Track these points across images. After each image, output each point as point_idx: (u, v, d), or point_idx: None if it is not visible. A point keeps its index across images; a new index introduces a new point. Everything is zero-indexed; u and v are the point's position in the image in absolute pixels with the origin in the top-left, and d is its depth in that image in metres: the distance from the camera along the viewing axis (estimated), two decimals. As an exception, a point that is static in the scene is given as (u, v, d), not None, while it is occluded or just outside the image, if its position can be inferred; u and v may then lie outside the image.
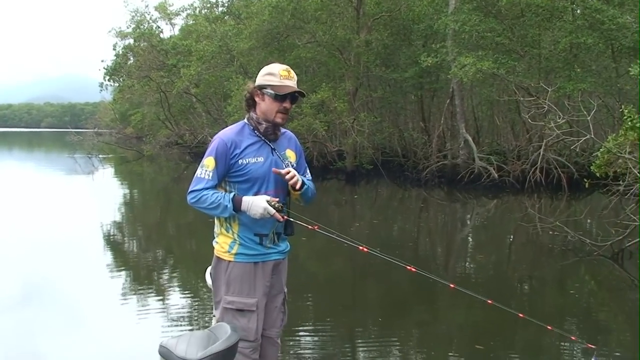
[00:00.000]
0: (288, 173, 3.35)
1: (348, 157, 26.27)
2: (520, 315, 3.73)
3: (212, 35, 32.27)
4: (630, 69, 13.29)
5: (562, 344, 6.15)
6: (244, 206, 3.28)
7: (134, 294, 7.96)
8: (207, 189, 3.33)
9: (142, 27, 39.17)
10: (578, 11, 20.44)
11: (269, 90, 3.38)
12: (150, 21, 40.60)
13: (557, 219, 12.59)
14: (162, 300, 7.66)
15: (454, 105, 24.28)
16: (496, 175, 21.66)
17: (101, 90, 43.65)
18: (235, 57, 30.57)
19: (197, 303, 7.59)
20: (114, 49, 40.55)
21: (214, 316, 3.54)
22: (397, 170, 26.86)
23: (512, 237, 13.81)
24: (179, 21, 52.12)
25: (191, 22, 44.76)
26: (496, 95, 25.08)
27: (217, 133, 3.55)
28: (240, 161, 3.36)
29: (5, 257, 9.76)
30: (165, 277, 9.21)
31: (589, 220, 14.41)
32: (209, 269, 3.60)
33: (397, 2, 25.78)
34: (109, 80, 41.24)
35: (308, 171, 3.67)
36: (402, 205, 20.12)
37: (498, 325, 6.68)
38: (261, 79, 3.42)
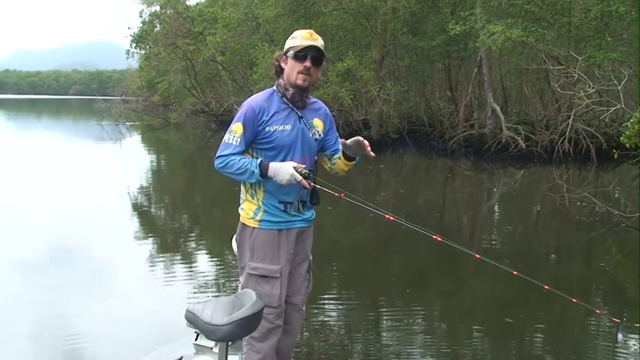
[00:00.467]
0: (366, 143, 3.33)
1: (374, 126, 26.14)
2: (546, 287, 3.71)
3: (238, 3, 32.15)
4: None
5: (587, 317, 6.12)
6: (270, 172, 3.28)
7: (161, 260, 8.06)
8: (234, 154, 3.32)
9: (168, -6, 39.01)
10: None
11: (290, 52, 3.37)
12: (177, -12, 40.40)
13: (585, 190, 12.47)
14: (189, 266, 7.76)
15: (481, 74, 23.98)
16: (524, 145, 21.42)
17: (128, 58, 43.64)
18: (261, 24, 30.43)
19: (222, 269, 7.67)
20: (141, 16, 40.48)
21: (240, 282, 3.58)
22: (423, 139, 26.68)
23: (539, 207, 13.70)
24: (206, -12, 51.84)
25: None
26: (525, 64, 24.68)
27: (242, 101, 3.55)
28: (267, 128, 3.36)
29: (36, 222, 9.93)
30: (192, 243, 9.31)
31: (617, 192, 14.24)
32: (234, 236, 3.62)
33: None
34: (135, 47, 41.23)
35: (340, 141, 3.65)
36: (428, 174, 20.05)
37: (523, 297, 6.66)
38: (286, 43, 3.42)
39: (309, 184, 3.31)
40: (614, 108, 12.23)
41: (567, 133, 20.44)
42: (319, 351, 5.10)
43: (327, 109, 3.69)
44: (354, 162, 3.53)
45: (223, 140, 3.39)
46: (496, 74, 27.25)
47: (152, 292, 6.65)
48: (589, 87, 13.11)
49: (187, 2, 40.30)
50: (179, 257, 8.20)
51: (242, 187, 3.53)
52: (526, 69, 24.99)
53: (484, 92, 24.15)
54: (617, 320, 3.85)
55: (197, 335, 3.85)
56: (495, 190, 16.47)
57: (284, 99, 3.44)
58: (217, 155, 3.37)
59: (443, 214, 12.64)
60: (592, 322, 6.06)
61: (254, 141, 3.39)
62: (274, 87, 3.49)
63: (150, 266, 7.68)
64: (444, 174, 19.94)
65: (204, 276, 7.29)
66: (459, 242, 8.28)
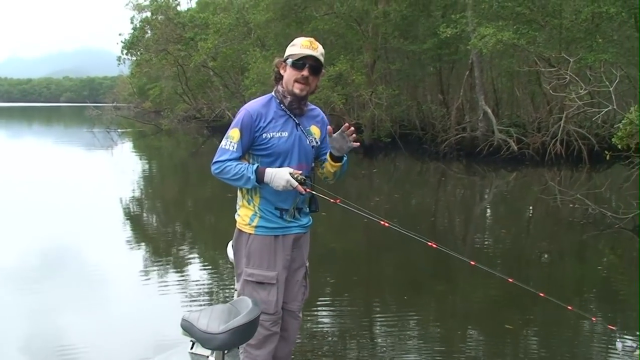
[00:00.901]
0: (349, 128, 3.33)
1: (366, 130, 26.17)
2: (541, 294, 3.70)
3: (229, 8, 32.19)
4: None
5: (583, 321, 6.12)
6: (267, 177, 3.27)
7: (155, 268, 8.02)
8: (231, 160, 3.32)
9: (159, 0, 39.02)
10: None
11: (289, 60, 3.36)
12: (167, -6, 40.41)
13: (578, 192, 12.51)
14: (183, 274, 7.73)
15: (473, 77, 24.05)
16: (516, 147, 21.49)
17: (119, 64, 43.66)
18: (253, 29, 30.49)
19: (216, 277, 7.64)
20: (132, 22, 40.50)
21: (236, 290, 3.56)
22: (416, 143, 26.74)
23: (532, 210, 13.73)
24: (196, -7, 51.85)
25: (208, -6, 44.55)
26: (516, 66, 24.78)
27: (234, 106, 3.54)
28: (264, 135, 3.35)
29: (27, 231, 9.86)
30: (185, 251, 9.28)
31: (609, 193, 14.27)
32: (230, 243, 3.60)
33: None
34: (126, 54, 41.26)
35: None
36: (421, 178, 20.07)
37: (517, 303, 6.66)
38: (286, 50, 3.40)
39: (305, 190, 3.29)
40: (605, 109, 12.26)
41: (559, 135, 20.51)
42: (313, 358, 5.08)
43: (325, 116, 3.68)
44: (340, 163, 3.48)
45: (220, 145, 3.38)
46: (487, 76, 27.33)
47: (146, 301, 6.61)
48: (581, 89, 13.14)
49: (178, 8, 40.34)
50: (173, 265, 8.17)
51: (238, 193, 3.52)
52: (517, 71, 25.06)
53: (476, 95, 24.21)
54: (614, 328, 3.82)
55: (193, 344, 3.83)
56: (487, 193, 16.51)
57: (281, 105, 3.43)
58: (213, 161, 3.36)
59: (437, 218, 12.65)
60: (587, 327, 6.06)
61: (251, 147, 3.38)
62: (272, 93, 3.48)
63: (144, 274, 7.64)
64: (437, 177, 19.96)
65: (198, 284, 7.25)
66: (454, 246, 8.32)
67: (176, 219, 12.24)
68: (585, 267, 8.79)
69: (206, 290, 7.03)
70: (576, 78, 13.90)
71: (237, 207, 3.53)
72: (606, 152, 11.04)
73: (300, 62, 3.33)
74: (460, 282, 7.80)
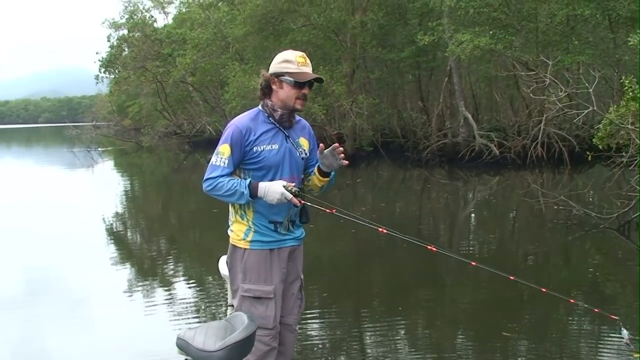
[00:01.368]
0: (339, 148, 3.39)
1: (347, 140, 26.19)
2: (543, 289, 3.72)
3: (206, 23, 32.15)
4: (629, 39, 13.18)
5: (578, 317, 6.14)
6: (260, 192, 3.26)
7: (142, 287, 7.94)
8: (222, 176, 3.30)
9: (135, 17, 38.97)
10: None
11: (288, 78, 3.35)
12: (144, 11, 40.39)
13: (561, 193, 12.57)
14: (173, 292, 7.63)
15: (452, 83, 24.20)
16: (497, 152, 21.63)
17: (97, 83, 43.53)
18: (231, 43, 30.47)
19: (204, 293, 7.56)
20: (108, 41, 40.40)
21: (230, 305, 3.52)
22: (397, 151, 26.83)
23: (517, 213, 13.80)
24: (172, 10, 51.79)
25: (184, 9, 44.53)
26: (494, 71, 24.96)
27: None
28: (255, 148, 3.34)
29: (9, 254, 9.73)
30: (171, 268, 9.18)
31: (590, 193, 14.36)
32: (222, 259, 3.57)
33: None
34: (104, 72, 41.14)
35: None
36: (405, 186, 20.11)
37: (506, 306, 6.69)
38: (278, 66, 3.38)
39: (300, 202, 3.29)
40: (586, 111, 12.36)
41: (539, 138, 20.70)
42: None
43: (310, 127, 3.68)
44: (328, 178, 3.53)
45: (210, 162, 3.36)
46: (466, 82, 27.50)
47: (136, 321, 6.50)
48: (560, 91, 13.24)
49: (155, 25, 40.29)
50: (161, 283, 8.08)
51: (230, 209, 3.50)
52: (495, 76, 25.25)
53: (455, 101, 24.35)
54: (616, 318, 3.84)
55: (187, 362, 3.77)
56: (472, 198, 16.57)
57: (270, 118, 3.42)
58: (205, 178, 3.34)
59: (424, 225, 12.68)
60: (577, 325, 6.08)
61: (241, 162, 3.37)
62: (259, 107, 3.47)
63: (132, 294, 7.55)
64: (420, 184, 20.01)
65: (186, 301, 7.14)
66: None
67: (161, 235, 12.15)
68: (578, 267, 8.84)
69: (197, 307, 6.95)
70: (555, 80, 14.00)
71: (230, 222, 3.52)
72: (587, 153, 11.13)
73: (304, 83, 3.37)
74: (448, 287, 7.81)
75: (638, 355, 4.82)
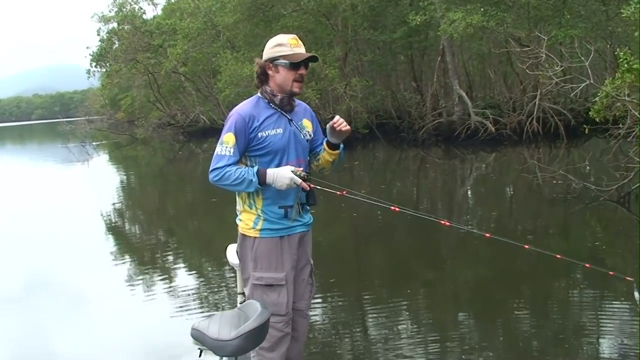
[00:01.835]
0: (337, 121, 3.39)
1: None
2: (557, 256, 3.76)
3: (196, 12, 31.94)
4: (622, 10, 13.13)
5: (575, 297, 6.16)
6: (269, 179, 3.25)
7: (146, 278, 7.89)
8: (229, 165, 3.28)
9: (124, 9, 38.67)
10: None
11: (283, 61, 3.33)
12: (132, 3, 40.07)
13: (559, 168, 12.59)
14: (180, 282, 7.54)
15: (445, 62, 24.12)
16: (493, 128, 21.60)
17: (89, 77, 43.30)
18: (221, 32, 30.29)
19: (211, 283, 7.53)
20: (98, 34, 40.13)
21: (240, 294, 3.53)
22: (393, 132, 26.78)
23: (514, 189, 13.82)
24: (161, 0, 51.54)
25: (173, 0, 44.28)
26: (487, 48, 24.87)
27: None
28: (259, 134, 3.32)
29: (7, 250, 9.72)
30: (175, 258, 9.12)
31: (588, 166, 14.38)
32: (230, 247, 3.56)
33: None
34: (95, 66, 40.94)
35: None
36: (402, 167, 20.12)
37: (508, 284, 6.71)
38: (271, 51, 3.36)
39: (309, 186, 3.29)
40: (583, 84, 12.35)
41: (535, 113, 20.68)
42: (307, 353, 5.06)
43: (310, 108, 3.67)
44: (337, 150, 3.53)
45: (215, 152, 3.33)
46: (459, 60, 27.42)
47: (147, 314, 6.45)
48: (556, 66, 13.21)
49: (144, 16, 40.03)
50: (166, 274, 8.06)
51: (238, 199, 3.49)
52: (488, 53, 25.17)
53: (449, 79, 24.30)
54: (631, 279, 3.88)
55: (201, 352, 3.78)
56: (470, 176, 16.57)
57: (271, 104, 3.41)
58: (211, 169, 3.31)
59: (426, 204, 12.66)
60: (578, 302, 6.11)
61: (246, 149, 3.35)
62: (259, 94, 3.45)
63: (136, 286, 7.55)
64: (417, 164, 20.01)
65: (195, 292, 7.10)
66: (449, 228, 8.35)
67: (161, 226, 12.12)
68: (580, 238, 8.91)
69: (204, 297, 6.92)
70: (551, 55, 13.98)
71: (238, 212, 3.50)
72: (584, 126, 11.13)
73: (299, 63, 3.35)
74: (449, 266, 7.84)
75: None
